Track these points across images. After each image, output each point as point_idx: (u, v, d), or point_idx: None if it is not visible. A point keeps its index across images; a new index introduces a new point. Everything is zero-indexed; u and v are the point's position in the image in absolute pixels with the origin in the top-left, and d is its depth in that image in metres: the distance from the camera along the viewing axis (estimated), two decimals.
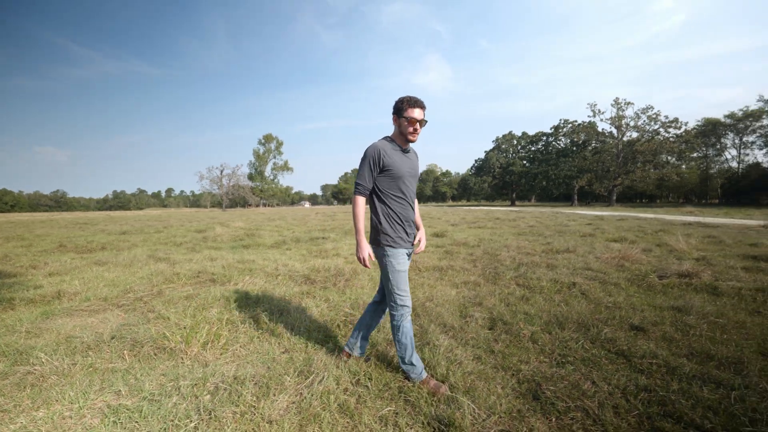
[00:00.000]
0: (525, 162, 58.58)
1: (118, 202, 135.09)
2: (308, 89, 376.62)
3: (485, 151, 63.95)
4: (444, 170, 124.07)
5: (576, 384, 2.18)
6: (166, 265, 5.64)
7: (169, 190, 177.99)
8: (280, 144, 72.55)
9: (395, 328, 2.17)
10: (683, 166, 50.15)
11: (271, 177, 73.50)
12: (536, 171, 53.06)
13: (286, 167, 73.76)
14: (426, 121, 2.16)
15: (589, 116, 47.33)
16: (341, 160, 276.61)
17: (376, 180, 2.15)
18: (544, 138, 56.75)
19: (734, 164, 48.51)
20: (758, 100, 42.16)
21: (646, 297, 4.01)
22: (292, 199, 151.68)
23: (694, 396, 2.01)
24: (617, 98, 44.83)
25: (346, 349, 2.48)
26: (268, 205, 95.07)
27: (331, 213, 29.92)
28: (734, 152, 48.63)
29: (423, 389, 2.09)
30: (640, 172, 42.45)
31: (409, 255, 2.25)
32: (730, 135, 47.92)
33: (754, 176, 44.60)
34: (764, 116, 42.89)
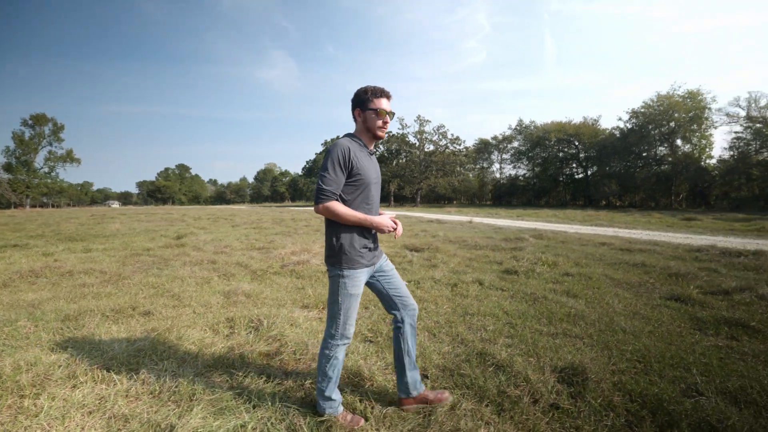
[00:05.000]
0: None
1: None
2: (118, 64, 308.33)
3: (316, 153, 66.05)
4: (283, 170, 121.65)
5: None
6: None
7: None
8: (59, 128, 56.53)
9: (325, 357, 1.87)
10: (470, 175, 63.35)
11: (45, 169, 56.88)
12: None
13: (70, 158, 58.20)
14: (393, 113, 1.90)
15: (398, 129, 54.59)
16: (165, 154, 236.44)
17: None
18: None
19: (498, 175, 64.19)
20: (508, 128, 57.15)
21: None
22: (93, 197, 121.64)
23: None
24: (419, 115, 53.23)
25: (402, 396, 2.02)
26: (54, 205, 73.46)
27: (118, 215, 25.26)
28: (498, 165, 64.38)
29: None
30: (434, 179, 51.81)
31: (376, 272, 1.96)
32: (496, 152, 63.14)
33: (508, 184, 60.02)
34: (513, 140, 58.22)
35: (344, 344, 1.89)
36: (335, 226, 1.82)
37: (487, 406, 2.02)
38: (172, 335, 2.94)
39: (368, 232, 1.86)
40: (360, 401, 2.05)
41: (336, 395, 1.91)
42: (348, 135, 1.89)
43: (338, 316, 1.84)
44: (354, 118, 1.90)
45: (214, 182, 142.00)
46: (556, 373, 2.31)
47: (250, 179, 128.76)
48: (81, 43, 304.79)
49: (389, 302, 2.00)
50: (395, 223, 1.85)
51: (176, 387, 2.13)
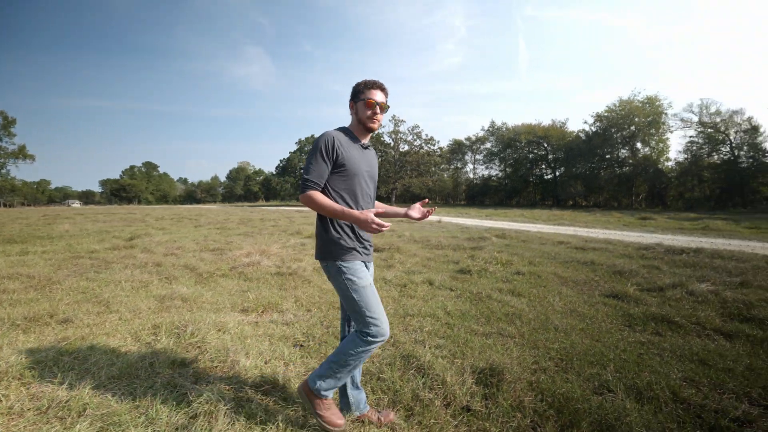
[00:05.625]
0: None
1: None
2: (80, 56, 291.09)
3: (290, 152, 64.97)
4: (257, 168, 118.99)
5: None
6: None
7: None
8: (10, 122, 52.56)
9: (353, 348, 1.71)
10: (445, 175, 64.11)
11: None
12: None
13: (23, 154, 54.41)
14: (388, 107, 1.85)
15: None
16: (131, 151, 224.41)
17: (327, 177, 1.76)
18: None
19: (471, 175, 65.33)
20: (481, 129, 58.32)
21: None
22: (51, 196, 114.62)
23: None
24: (394, 115, 53.34)
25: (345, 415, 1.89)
26: (7, 205, 68.53)
27: (75, 214, 23.84)
28: (471, 166, 65.53)
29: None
30: (408, 179, 52.15)
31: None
32: (469, 153, 64.24)
33: (481, 184, 61.20)
34: (486, 141, 59.42)
35: (381, 342, 1.74)
36: (325, 217, 1.78)
37: (397, 410, 1.98)
38: (85, 344, 2.74)
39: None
40: (266, 410, 1.95)
41: (339, 383, 1.81)
42: (340, 127, 1.86)
43: (364, 314, 1.71)
44: (350, 111, 1.89)
45: (184, 181, 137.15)
46: (476, 374, 2.30)
47: (222, 178, 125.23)
48: (37, 32, 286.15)
49: (346, 314, 1.94)
50: (381, 222, 1.62)
51: (67, 402, 1.96)
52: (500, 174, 56.90)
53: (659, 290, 4.62)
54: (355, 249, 1.76)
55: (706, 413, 1.94)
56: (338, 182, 1.76)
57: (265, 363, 2.51)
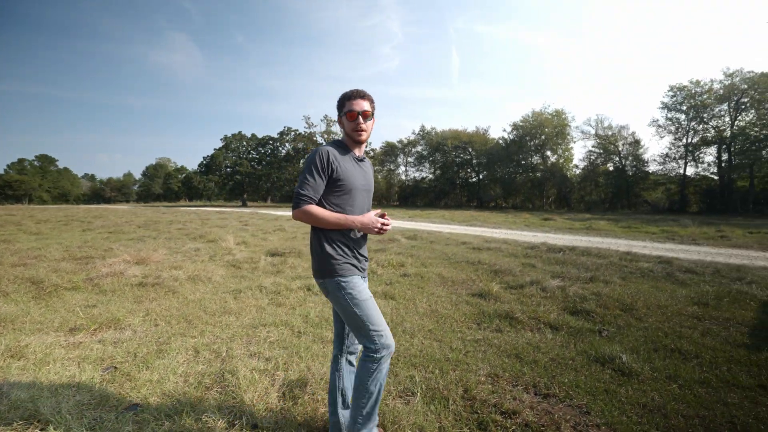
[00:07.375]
0: (254, 164, 59.64)
1: None
2: None
3: (214, 149, 60.75)
4: (178, 166, 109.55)
5: None
6: None
7: None
8: None
9: (366, 371, 1.66)
10: (378, 176, 64.92)
11: None
12: (261, 173, 55.12)
13: None
14: (372, 114, 1.80)
15: (305, 128, 53.38)
16: (22, 142, 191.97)
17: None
18: (272, 142, 59.64)
19: (404, 177, 67.14)
20: (412, 133, 60.20)
21: None
22: None
23: None
24: (326, 115, 52.74)
25: None
26: None
27: None
28: (403, 168, 67.34)
29: None
30: None
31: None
32: (401, 155, 65.93)
33: (413, 186, 63.19)
34: (417, 145, 61.49)
35: (388, 355, 1.70)
36: (320, 233, 1.73)
37: None
38: None
39: (356, 242, 1.76)
40: None
41: (375, 417, 1.73)
42: (334, 141, 1.83)
43: (367, 327, 1.66)
44: (340, 127, 1.89)
45: (90, 178, 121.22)
46: (284, 387, 2.24)
47: (138, 175, 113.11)
48: None
49: (339, 330, 1.90)
50: (385, 221, 1.76)
51: None
52: (430, 176, 59.21)
53: (519, 287, 5.04)
54: (352, 264, 1.74)
55: (484, 408, 2.09)
56: (335, 197, 1.73)
57: (51, 394, 2.19)
